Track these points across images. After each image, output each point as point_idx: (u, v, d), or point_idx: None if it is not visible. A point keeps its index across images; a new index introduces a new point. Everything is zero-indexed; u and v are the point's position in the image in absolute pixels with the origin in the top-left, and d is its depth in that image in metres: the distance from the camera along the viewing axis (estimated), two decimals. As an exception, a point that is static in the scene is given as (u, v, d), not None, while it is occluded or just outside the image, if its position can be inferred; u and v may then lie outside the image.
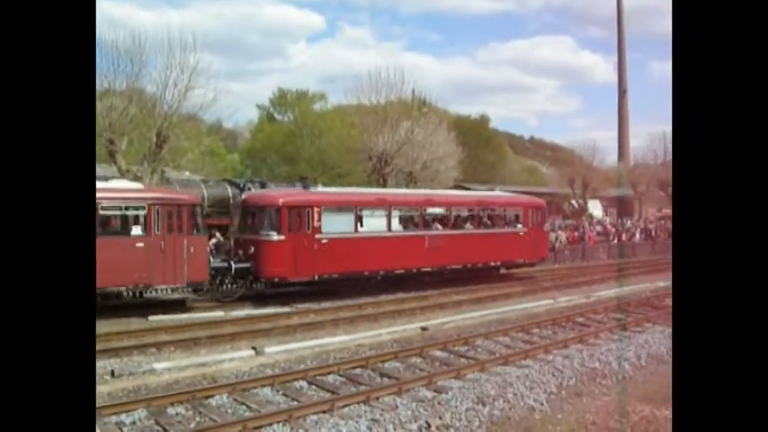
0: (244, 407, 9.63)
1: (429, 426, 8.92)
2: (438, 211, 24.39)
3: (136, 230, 17.28)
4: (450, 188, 36.09)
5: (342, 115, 44.80)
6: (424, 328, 15.82)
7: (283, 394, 10.31)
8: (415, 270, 22.51)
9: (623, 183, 59.32)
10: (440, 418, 9.21)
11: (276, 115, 63.78)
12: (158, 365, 11.83)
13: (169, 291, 17.68)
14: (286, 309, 18.39)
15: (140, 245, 16.93)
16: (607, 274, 28.27)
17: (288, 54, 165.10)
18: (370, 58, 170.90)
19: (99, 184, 16.75)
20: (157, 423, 8.87)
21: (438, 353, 13.27)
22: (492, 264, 25.42)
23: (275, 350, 13.14)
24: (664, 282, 26.00)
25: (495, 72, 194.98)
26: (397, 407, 9.50)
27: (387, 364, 12.22)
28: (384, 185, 32.24)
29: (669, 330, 15.78)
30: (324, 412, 9.20)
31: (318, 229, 19.97)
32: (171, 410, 9.42)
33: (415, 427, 8.85)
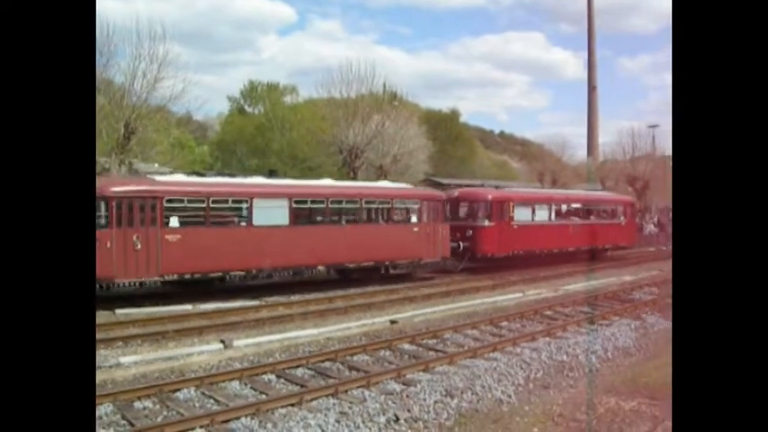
0: (212, 400, 9.56)
1: (397, 418, 8.94)
2: (576, 206, 32.88)
3: (413, 219, 23.84)
4: (420, 182, 36.21)
5: (312, 108, 44.43)
6: (393, 321, 15.84)
7: (252, 388, 10.26)
8: (564, 250, 30.65)
9: (592, 178, 59.99)
10: (408, 410, 9.24)
11: (246, 108, 63.34)
12: (125, 359, 11.71)
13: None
14: (255, 302, 18.29)
15: (416, 230, 23.45)
16: (577, 268, 28.58)
17: (258, 46, 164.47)
18: (341, 50, 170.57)
19: (388, 184, 25.44)
20: (124, 417, 8.77)
21: (407, 346, 13.29)
22: (606, 246, 34.10)
23: (244, 343, 13.08)
24: (630, 276, 26.42)
25: (467, 66, 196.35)
26: (365, 400, 9.51)
27: (356, 357, 12.22)
28: (354, 179, 32.19)
29: (635, 323, 16.03)
30: (292, 405, 9.18)
31: (512, 218, 27.77)
32: (138, 405, 9.32)
33: (383, 419, 8.87)
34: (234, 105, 64.64)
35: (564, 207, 31.78)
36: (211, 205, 18.51)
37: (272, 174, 23.96)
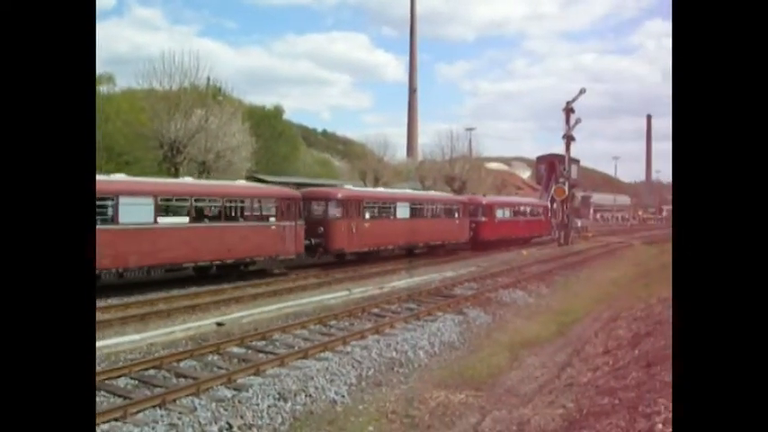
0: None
1: (230, 426, 8.64)
2: (523, 208, 48.75)
3: (456, 215, 38.25)
4: (244, 180, 35.52)
5: (131, 100, 41.96)
6: (220, 324, 15.34)
7: (68, 402, 9.44)
8: (519, 236, 45.95)
9: (412, 177, 61.96)
10: (241, 417, 8.96)
11: (55, 96, 58.88)
12: None
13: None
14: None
15: (458, 222, 38.27)
16: (399, 266, 29.35)
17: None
18: (162, 41, 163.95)
19: (442, 194, 41.88)
20: None
21: (236, 349, 12.88)
22: (534, 234, 49.32)
23: (56, 353, 12.03)
24: (451, 272, 27.51)
25: (291, 64, 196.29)
26: (195, 409, 9.07)
27: (182, 364, 11.65)
28: (176, 175, 30.91)
29: (458, 318, 16.65)
30: (116, 420, 8.52)
31: (495, 216, 42.44)
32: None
33: (215, 429, 8.53)
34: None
35: (518, 209, 47.27)
36: (382, 206, 31.98)
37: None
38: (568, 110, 48.94)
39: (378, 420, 9.54)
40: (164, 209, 20.56)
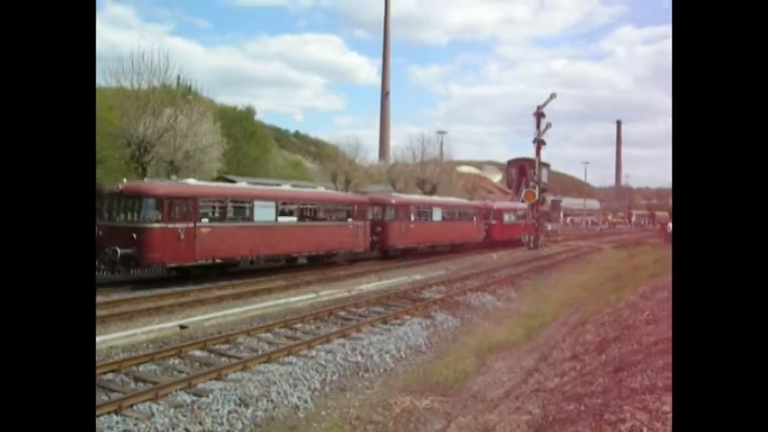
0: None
1: (188, 433, 8.38)
2: (518, 212, 53.59)
3: (474, 219, 45.51)
4: (214, 180, 35.12)
5: (99, 97, 41.45)
6: (183, 327, 15.03)
7: (19, 407, 9.11)
8: (517, 237, 50.19)
9: (384, 180, 61.87)
10: (200, 423, 8.72)
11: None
12: None
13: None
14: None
15: (476, 223, 45.17)
16: (371, 268, 29.19)
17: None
18: (134, 39, 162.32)
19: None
20: None
21: (198, 352, 12.61)
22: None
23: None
24: (420, 275, 27.42)
25: (264, 65, 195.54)
26: (153, 415, 8.79)
27: (142, 367, 11.34)
28: (144, 174, 30.46)
29: (426, 322, 16.50)
30: (68, 426, 8.25)
31: (504, 218, 50.30)
32: None
33: (173, 435, 8.27)
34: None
35: (519, 213, 52.73)
36: (422, 210, 37.90)
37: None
38: (539, 114, 49.24)
39: (341, 426, 9.34)
40: (280, 210, 25.95)
